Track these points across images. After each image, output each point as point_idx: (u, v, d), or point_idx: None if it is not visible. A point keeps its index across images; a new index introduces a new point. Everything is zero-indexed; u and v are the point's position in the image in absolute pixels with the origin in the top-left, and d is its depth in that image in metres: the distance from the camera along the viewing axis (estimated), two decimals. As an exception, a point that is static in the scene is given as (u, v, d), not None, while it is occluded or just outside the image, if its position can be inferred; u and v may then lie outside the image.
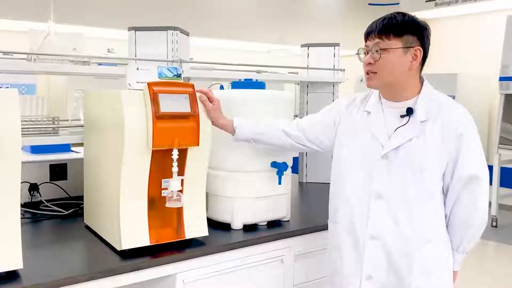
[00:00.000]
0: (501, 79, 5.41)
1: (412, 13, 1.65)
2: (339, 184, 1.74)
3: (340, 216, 1.73)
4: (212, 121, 1.81)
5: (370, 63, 1.60)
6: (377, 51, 1.58)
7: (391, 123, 1.63)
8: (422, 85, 1.65)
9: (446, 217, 1.65)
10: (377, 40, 1.58)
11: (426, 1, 5.98)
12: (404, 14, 1.60)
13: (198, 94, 1.75)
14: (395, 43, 1.56)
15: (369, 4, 6.38)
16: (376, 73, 1.61)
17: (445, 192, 1.63)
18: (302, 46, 3.06)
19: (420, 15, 6.24)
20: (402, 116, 1.61)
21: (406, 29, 1.56)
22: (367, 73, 1.63)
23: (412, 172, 1.58)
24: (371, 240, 1.64)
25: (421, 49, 1.58)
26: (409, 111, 1.59)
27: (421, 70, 1.65)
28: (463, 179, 1.57)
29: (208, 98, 1.79)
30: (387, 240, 1.62)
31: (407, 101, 1.62)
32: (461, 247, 1.66)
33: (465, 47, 6.42)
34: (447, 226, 1.66)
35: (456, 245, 1.66)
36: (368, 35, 1.61)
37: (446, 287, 1.67)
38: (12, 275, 1.45)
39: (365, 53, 1.62)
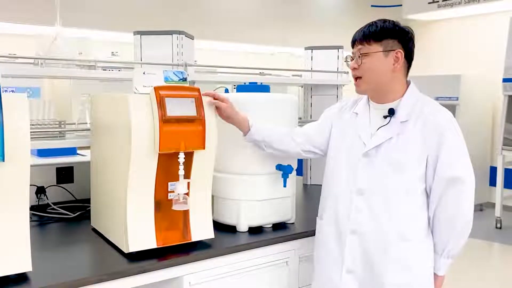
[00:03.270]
0: (505, 80, 5.40)
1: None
2: (327, 182, 1.84)
3: (326, 212, 1.81)
4: (229, 119, 1.86)
5: (355, 68, 1.72)
6: (359, 56, 1.69)
7: (375, 123, 1.72)
8: (407, 87, 1.72)
9: (429, 219, 1.68)
10: (359, 46, 1.69)
11: (429, 3, 5.98)
12: (385, 21, 1.70)
13: (207, 99, 1.78)
14: (375, 48, 1.67)
15: (372, 6, 6.39)
16: (361, 77, 1.71)
17: (428, 194, 1.67)
18: (306, 48, 3.07)
19: (423, 16, 6.24)
20: (385, 117, 1.69)
21: (385, 34, 1.67)
22: (355, 79, 1.74)
23: (391, 170, 1.65)
24: (351, 235, 1.70)
25: (401, 51, 1.67)
26: (391, 112, 1.68)
27: (407, 73, 1.74)
28: (444, 180, 1.61)
29: (217, 99, 1.82)
30: (365, 235, 1.68)
31: (392, 102, 1.71)
32: (445, 250, 1.68)
33: (468, 49, 6.41)
34: (432, 230, 1.69)
35: (440, 249, 1.69)
36: (353, 43, 1.73)
37: (427, 286, 1.69)
38: (22, 278, 1.47)
39: (351, 60, 1.74)
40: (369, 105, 1.78)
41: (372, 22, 1.70)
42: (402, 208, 1.65)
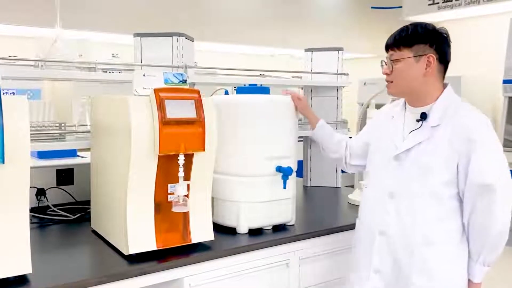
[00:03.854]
0: (505, 81, 5.40)
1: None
2: (366, 184, 1.90)
3: (361, 212, 1.89)
4: (304, 116, 2.17)
5: (387, 73, 1.75)
6: (391, 62, 1.72)
7: (408, 127, 1.74)
8: (443, 90, 1.72)
9: (464, 225, 1.66)
10: (391, 52, 1.73)
11: (429, 4, 5.97)
12: (416, 25, 1.70)
13: (291, 93, 2.08)
14: (405, 53, 1.68)
15: (372, 7, 6.39)
16: (392, 82, 1.75)
17: (462, 199, 1.65)
18: (306, 50, 3.07)
19: (423, 18, 6.26)
20: (417, 121, 1.70)
21: (416, 39, 1.67)
22: (387, 82, 1.78)
23: (418, 174, 1.67)
24: (380, 236, 1.74)
25: (433, 55, 1.66)
26: (423, 116, 1.69)
27: (443, 76, 1.73)
28: (474, 186, 1.59)
29: (296, 98, 2.08)
30: (393, 237, 1.71)
31: (426, 106, 1.71)
32: (481, 258, 1.66)
33: (468, 50, 6.40)
34: (467, 236, 1.67)
35: (475, 256, 1.67)
36: (386, 48, 1.76)
37: None
38: (22, 280, 1.47)
39: (385, 65, 1.77)
40: (405, 108, 1.80)
41: (404, 26, 1.71)
42: (427, 212, 1.65)
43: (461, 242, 1.67)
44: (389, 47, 1.73)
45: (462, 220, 1.66)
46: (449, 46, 1.71)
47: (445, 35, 1.70)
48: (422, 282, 1.65)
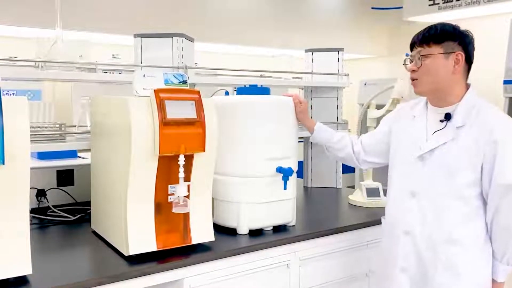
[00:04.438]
0: (505, 82, 5.39)
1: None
2: (388, 185, 1.91)
3: (386, 212, 1.91)
4: (299, 121, 2.12)
5: (413, 70, 1.73)
6: (419, 58, 1.70)
7: (431, 127, 1.75)
8: (466, 90, 1.73)
9: (487, 225, 1.68)
10: (419, 48, 1.71)
11: (429, 5, 5.97)
12: (444, 24, 1.72)
13: (292, 95, 2.08)
14: (435, 49, 1.68)
15: (373, 8, 6.39)
16: (417, 79, 1.73)
17: (485, 200, 1.67)
18: (306, 51, 3.07)
19: (424, 18, 6.24)
20: (441, 121, 1.71)
21: (446, 36, 1.68)
22: (412, 80, 1.76)
23: (442, 174, 1.69)
24: (404, 235, 1.77)
25: (462, 53, 1.68)
26: (447, 116, 1.70)
27: (467, 76, 1.74)
28: (500, 187, 1.60)
29: (298, 101, 2.08)
30: (417, 237, 1.74)
31: (450, 106, 1.72)
32: (505, 257, 1.67)
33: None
34: (490, 236, 1.68)
35: (500, 256, 1.68)
36: (412, 46, 1.75)
37: None
38: (22, 281, 1.47)
39: (410, 62, 1.76)
40: (427, 107, 1.80)
41: (432, 25, 1.71)
42: (451, 212, 1.67)
43: (486, 242, 1.69)
44: (416, 43, 1.72)
45: (486, 219, 1.68)
46: (474, 48, 1.73)
47: (471, 36, 1.73)
48: (447, 280, 1.68)
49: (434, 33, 1.69)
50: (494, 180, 1.61)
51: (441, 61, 1.67)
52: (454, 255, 1.67)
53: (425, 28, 1.72)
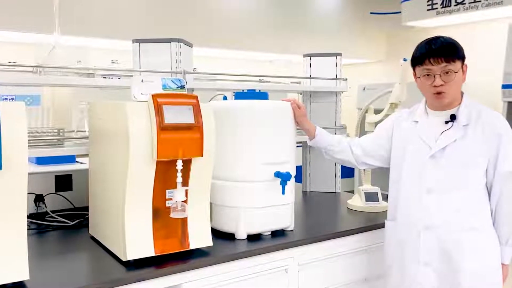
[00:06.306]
0: (504, 86, 5.40)
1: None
2: (396, 186, 2.01)
3: (399, 213, 1.99)
4: (298, 125, 2.15)
5: (442, 85, 1.84)
6: (447, 72, 1.83)
7: (437, 129, 1.91)
8: (462, 95, 1.93)
9: (491, 212, 1.86)
10: (444, 64, 1.83)
11: (427, 10, 5.99)
12: (450, 38, 1.87)
13: (291, 100, 2.10)
14: (459, 65, 1.86)
15: (371, 13, 6.41)
16: (445, 92, 1.85)
17: (488, 189, 1.87)
18: (305, 56, 3.08)
19: (422, 23, 6.25)
20: (446, 122, 1.89)
21: (462, 51, 1.87)
22: (438, 94, 1.86)
23: (457, 168, 1.85)
24: (425, 230, 1.88)
25: (466, 64, 1.89)
26: (453, 117, 1.87)
27: None
28: (503, 174, 1.82)
29: (296, 105, 2.11)
30: (438, 229, 1.86)
31: (452, 109, 1.90)
32: (510, 241, 1.85)
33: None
34: (494, 222, 1.86)
35: (504, 239, 1.86)
36: (429, 59, 1.83)
37: (497, 273, 1.86)
38: (19, 286, 1.47)
39: (427, 75, 1.86)
40: (426, 113, 1.97)
41: (442, 40, 1.84)
42: (467, 201, 1.84)
43: (492, 227, 1.87)
44: (440, 59, 1.81)
45: (490, 207, 1.86)
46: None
47: None
48: (474, 264, 1.81)
49: (456, 48, 1.84)
50: (497, 169, 1.81)
51: (461, 74, 1.87)
52: (475, 240, 1.82)
53: (439, 43, 1.83)
